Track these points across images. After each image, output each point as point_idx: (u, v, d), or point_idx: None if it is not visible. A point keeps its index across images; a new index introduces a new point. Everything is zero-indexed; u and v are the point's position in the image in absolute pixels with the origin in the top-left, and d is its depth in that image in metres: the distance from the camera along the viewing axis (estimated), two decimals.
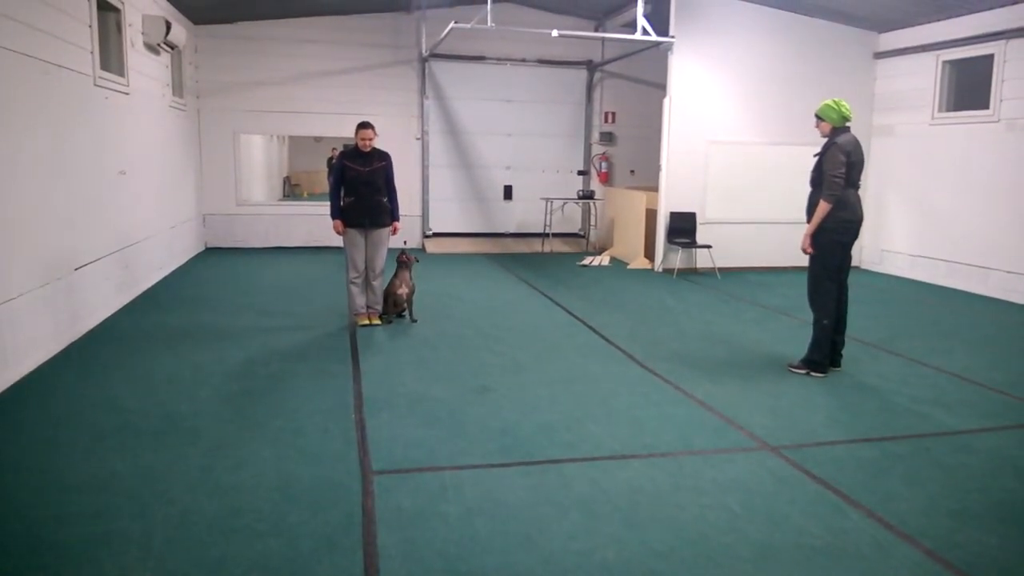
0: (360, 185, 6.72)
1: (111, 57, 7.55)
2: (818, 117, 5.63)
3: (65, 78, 6.17)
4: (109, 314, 7.16)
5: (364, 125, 6.76)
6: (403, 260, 7.18)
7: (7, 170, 5.13)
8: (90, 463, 3.89)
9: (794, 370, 5.77)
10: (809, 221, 5.61)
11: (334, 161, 6.77)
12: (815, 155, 5.67)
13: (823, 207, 5.45)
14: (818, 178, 5.56)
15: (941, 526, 3.42)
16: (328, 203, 7.00)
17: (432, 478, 3.80)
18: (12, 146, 5.21)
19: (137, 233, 8.22)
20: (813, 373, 5.70)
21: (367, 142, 6.71)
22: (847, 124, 5.56)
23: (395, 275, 7.14)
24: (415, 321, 7.23)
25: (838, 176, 5.41)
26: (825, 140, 5.61)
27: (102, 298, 7.01)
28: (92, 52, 6.77)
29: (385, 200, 6.86)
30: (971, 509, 3.60)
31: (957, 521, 3.47)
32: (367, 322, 7.02)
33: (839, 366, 5.83)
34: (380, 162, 6.79)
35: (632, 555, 3.11)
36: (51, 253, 5.84)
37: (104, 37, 7.29)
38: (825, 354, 5.68)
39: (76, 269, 6.34)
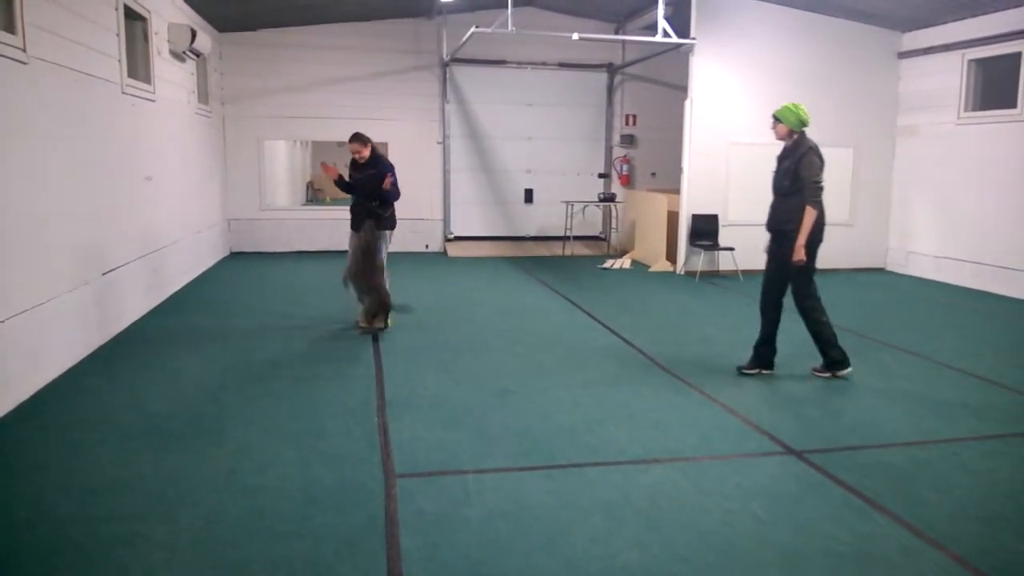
0: (357, 191, 6.89)
1: (138, 65, 7.67)
2: (775, 119, 5.55)
3: (93, 86, 6.27)
4: (136, 317, 7.26)
5: (354, 138, 6.80)
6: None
7: (38, 176, 5.22)
8: (117, 465, 3.95)
9: (819, 374, 5.71)
10: (775, 232, 5.55)
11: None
12: (779, 159, 5.59)
13: (811, 213, 5.35)
14: (791, 186, 5.43)
15: (970, 532, 3.37)
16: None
17: (454, 481, 3.81)
18: (42, 153, 5.31)
19: (164, 238, 8.33)
20: (838, 374, 5.64)
21: (356, 155, 6.80)
22: (804, 129, 5.48)
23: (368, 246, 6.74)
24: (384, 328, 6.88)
25: (820, 181, 5.36)
26: (784, 144, 5.55)
27: (130, 302, 7.11)
28: (120, 60, 6.88)
29: (375, 205, 6.85)
30: (1001, 515, 3.54)
31: (987, 527, 3.42)
32: (366, 325, 7.00)
33: (772, 368, 5.77)
34: (371, 170, 6.81)
35: (655, 560, 3.09)
36: (80, 258, 5.94)
37: (131, 45, 7.40)
38: (840, 349, 5.62)
39: (104, 274, 6.44)
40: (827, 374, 5.68)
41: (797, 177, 5.38)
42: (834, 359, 5.66)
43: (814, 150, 5.39)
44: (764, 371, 5.76)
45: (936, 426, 4.75)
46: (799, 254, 5.41)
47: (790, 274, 5.58)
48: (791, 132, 5.50)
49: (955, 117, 10.05)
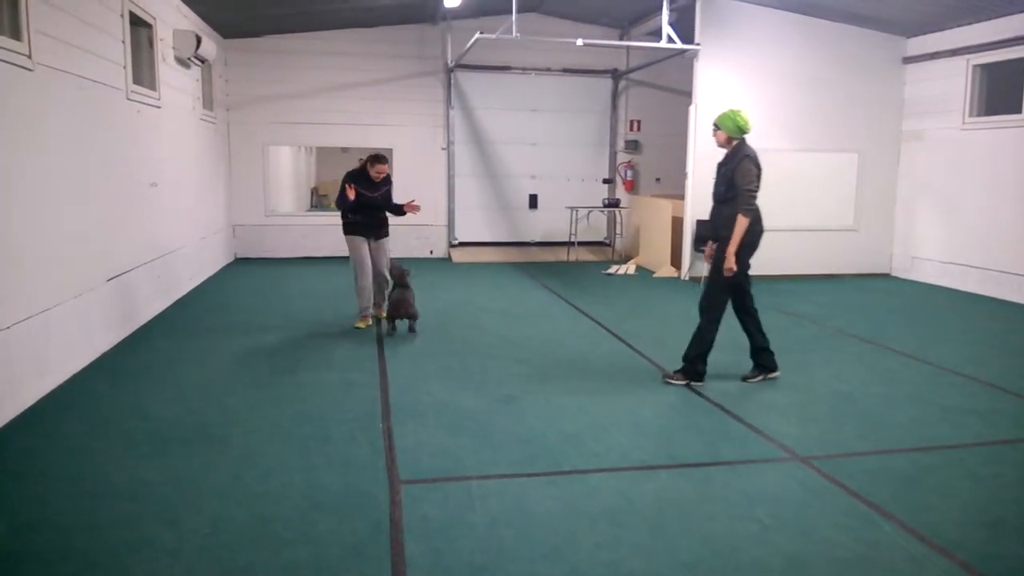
0: (367, 207, 7.32)
1: (143, 71, 7.70)
2: (715, 126, 5.52)
3: (99, 92, 6.30)
4: (141, 324, 7.27)
5: (381, 159, 7.30)
6: (402, 278, 7.15)
7: (43, 182, 5.25)
8: (122, 471, 3.96)
9: (672, 382, 5.60)
10: (715, 239, 5.49)
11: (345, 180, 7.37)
12: (719, 165, 5.55)
13: (743, 221, 5.30)
14: (726, 192, 5.39)
15: (976, 538, 3.35)
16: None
17: (459, 487, 3.81)
18: (47, 159, 5.33)
19: (168, 244, 8.36)
20: (694, 383, 5.57)
21: (381, 175, 7.29)
22: (743, 135, 5.43)
23: (405, 290, 7.11)
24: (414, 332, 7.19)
25: (754, 189, 5.31)
26: (726, 151, 5.51)
27: (134, 308, 7.12)
28: (125, 67, 6.91)
29: (385, 216, 7.56)
30: (1007, 520, 3.53)
31: (993, 532, 3.40)
32: (363, 325, 7.38)
33: (776, 370, 5.75)
34: (385, 187, 7.43)
35: (660, 566, 3.08)
36: (85, 264, 5.96)
37: (136, 52, 7.44)
38: (705, 365, 5.58)
39: (109, 279, 6.46)
40: (682, 382, 5.57)
41: (732, 184, 5.34)
42: (697, 370, 5.58)
43: (751, 158, 5.35)
44: (769, 376, 5.74)
45: (942, 432, 4.73)
46: (730, 262, 5.36)
47: (713, 276, 5.54)
48: (730, 139, 5.46)
49: (960, 122, 10.03)
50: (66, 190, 5.64)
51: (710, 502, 3.67)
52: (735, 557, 3.16)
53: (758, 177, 5.34)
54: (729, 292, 5.55)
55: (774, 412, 5.04)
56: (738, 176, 5.31)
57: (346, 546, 3.20)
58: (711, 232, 5.59)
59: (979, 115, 9.85)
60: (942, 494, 3.80)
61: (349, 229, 7.39)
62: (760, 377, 5.73)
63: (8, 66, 4.76)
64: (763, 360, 5.74)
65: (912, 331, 7.59)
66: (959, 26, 9.87)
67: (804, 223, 10.89)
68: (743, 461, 4.22)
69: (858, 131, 10.99)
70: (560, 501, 3.66)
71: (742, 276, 5.52)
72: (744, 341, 6.19)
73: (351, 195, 7.13)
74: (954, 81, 10.05)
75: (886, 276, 11.28)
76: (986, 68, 9.75)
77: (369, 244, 7.40)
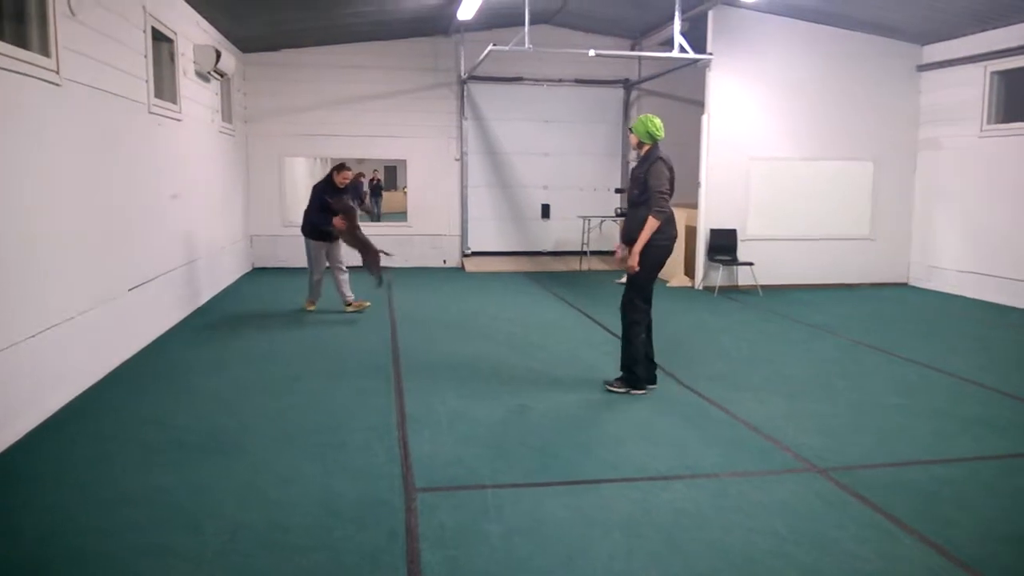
0: (332, 213, 8.26)
1: (164, 85, 7.81)
2: (630, 130, 5.60)
3: (122, 106, 6.40)
4: (160, 333, 7.35)
5: (345, 167, 8.36)
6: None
7: (67, 194, 5.33)
8: (140, 477, 4.00)
9: (613, 389, 5.58)
10: (629, 242, 5.48)
11: (328, 193, 8.38)
12: (633, 169, 5.58)
13: (652, 223, 5.31)
14: (639, 195, 5.41)
15: (997, 552, 3.32)
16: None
17: (474, 496, 3.82)
18: (72, 172, 5.41)
19: (188, 254, 8.45)
20: (634, 391, 5.54)
21: (346, 181, 8.36)
22: (656, 141, 5.45)
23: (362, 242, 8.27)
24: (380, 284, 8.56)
25: (666, 191, 5.33)
26: (639, 155, 5.55)
27: (154, 318, 7.20)
28: (147, 81, 7.02)
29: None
30: None
31: (1014, 547, 3.37)
32: (312, 308, 8.69)
33: (656, 383, 5.69)
34: (347, 194, 8.47)
35: None
36: (107, 274, 6.03)
37: (158, 66, 7.55)
38: (645, 369, 5.56)
39: (130, 290, 6.54)
40: (622, 390, 5.55)
41: (646, 187, 5.36)
42: (636, 376, 5.54)
43: (664, 160, 5.38)
44: (650, 385, 5.67)
45: (961, 444, 4.69)
46: (632, 260, 5.39)
47: (630, 280, 5.55)
48: (640, 143, 5.51)
49: (978, 130, 9.97)
50: (91, 202, 5.71)
51: (726, 513, 3.66)
52: (752, 569, 3.15)
53: (670, 180, 5.37)
54: (647, 296, 5.55)
55: (791, 423, 5.01)
56: (651, 178, 5.35)
57: (362, 553, 3.22)
58: (626, 237, 5.59)
59: (997, 122, 9.79)
60: (962, 508, 3.77)
61: (313, 233, 8.35)
62: (624, 390, 5.60)
63: (38, 82, 4.86)
64: (642, 369, 5.63)
65: (930, 341, 7.53)
66: (974, 33, 9.82)
67: (820, 232, 10.85)
68: (760, 472, 4.20)
69: (873, 139, 10.96)
70: (574, 510, 3.66)
71: (650, 280, 5.54)
72: (760, 351, 6.18)
73: (340, 224, 8.16)
74: (971, 88, 10.00)
75: (903, 285, 11.20)
76: (1004, 75, 9.69)
77: (327, 247, 8.40)
